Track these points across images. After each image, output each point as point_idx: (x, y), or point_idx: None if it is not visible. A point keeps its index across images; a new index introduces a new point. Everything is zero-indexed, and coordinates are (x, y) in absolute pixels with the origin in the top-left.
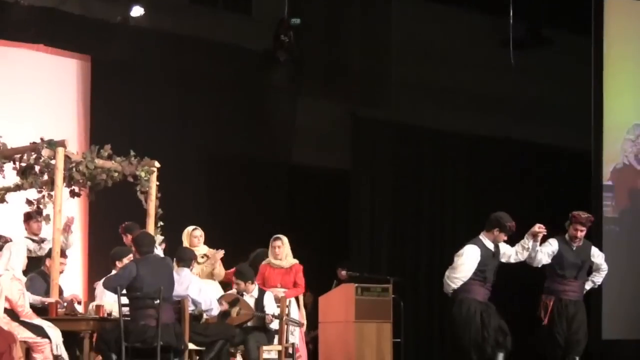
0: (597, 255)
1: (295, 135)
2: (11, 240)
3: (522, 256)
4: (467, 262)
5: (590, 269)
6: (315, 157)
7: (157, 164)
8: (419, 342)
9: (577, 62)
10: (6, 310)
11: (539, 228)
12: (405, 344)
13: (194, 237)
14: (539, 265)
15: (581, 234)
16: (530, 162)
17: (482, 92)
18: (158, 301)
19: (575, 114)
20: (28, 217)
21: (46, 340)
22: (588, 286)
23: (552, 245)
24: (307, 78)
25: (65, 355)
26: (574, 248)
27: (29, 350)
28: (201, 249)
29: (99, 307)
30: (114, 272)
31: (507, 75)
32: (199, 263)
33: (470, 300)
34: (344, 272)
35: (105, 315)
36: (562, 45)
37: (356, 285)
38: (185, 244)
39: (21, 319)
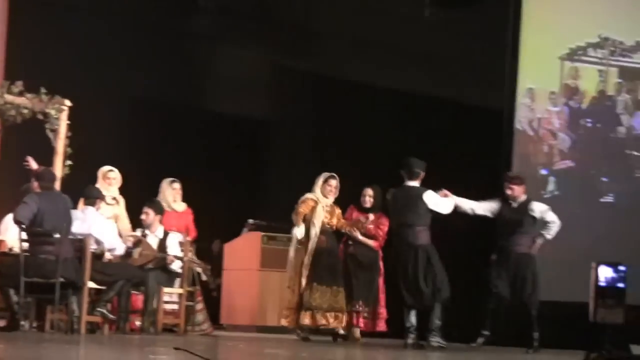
0: (536, 210)
1: (215, 81)
2: None
3: None
4: None
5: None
6: (235, 104)
7: (67, 103)
8: None
9: (495, 23)
10: None
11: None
12: None
13: (107, 177)
14: (474, 214)
15: (511, 192)
16: (444, 120)
17: (404, 47)
18: (58, 235)
19: (488, 75)
20: None
21: None
22: (540, 240)
23: (492, 202)
24: (229, 25)
25: None
26: (515, 205)
27: None
28: (113, 191)
29: (0, 242)
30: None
31: (431, 31)
32: (107, 204)
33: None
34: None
35: (7, 250)
36: (482, 4)
37: (262, 233)
38: (99, 183)
39: None
